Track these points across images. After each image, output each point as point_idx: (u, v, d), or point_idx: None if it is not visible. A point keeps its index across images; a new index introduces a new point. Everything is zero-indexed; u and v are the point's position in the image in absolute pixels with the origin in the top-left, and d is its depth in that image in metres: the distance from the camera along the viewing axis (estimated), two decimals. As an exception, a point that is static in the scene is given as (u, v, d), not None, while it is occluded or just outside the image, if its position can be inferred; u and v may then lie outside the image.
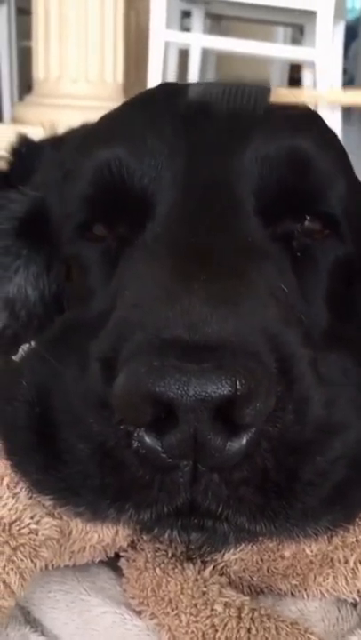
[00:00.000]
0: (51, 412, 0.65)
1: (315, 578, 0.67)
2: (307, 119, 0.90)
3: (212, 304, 0.60)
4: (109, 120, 0.92)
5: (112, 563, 0.70)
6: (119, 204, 0.81)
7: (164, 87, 0.98)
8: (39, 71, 3.71)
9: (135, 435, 0.57)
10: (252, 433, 0.57)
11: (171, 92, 0.91)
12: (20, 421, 0.66)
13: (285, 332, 0.64)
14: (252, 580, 0.69)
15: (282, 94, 0.74)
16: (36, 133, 1.57)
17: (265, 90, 0.91)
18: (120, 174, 0.80)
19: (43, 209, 0.94)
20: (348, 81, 5.95)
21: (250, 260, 0.71)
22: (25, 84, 4.36)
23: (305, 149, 0.81)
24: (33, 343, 0.75)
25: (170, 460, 0.57)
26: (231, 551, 0.67)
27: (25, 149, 1.48)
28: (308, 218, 0.81)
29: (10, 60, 4.57)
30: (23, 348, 0.74)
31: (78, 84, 3.50)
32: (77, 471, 0.61)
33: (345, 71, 5.19)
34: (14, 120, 3.69)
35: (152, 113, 0.85)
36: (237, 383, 0.54)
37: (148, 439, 0.57)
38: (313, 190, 0.81)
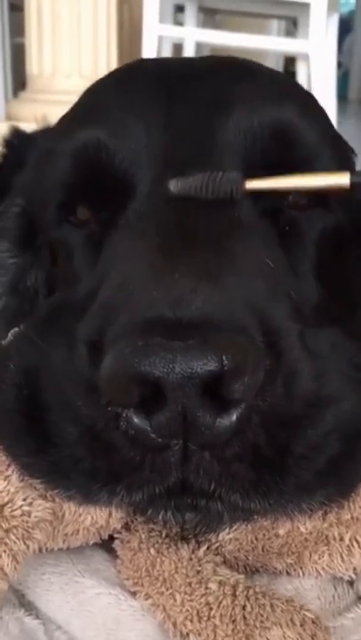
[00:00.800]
0: (39, 394, 0.64)
1: (310, 556, 0.67)
2: (287, 88, 0.89)
3: (196, 281, 0.60)
4: (88, 99, 0.91)
5: (106, 545, 0.69)
6: (100, 185, 0.80)
7: (141, 63, 0.96)
8: (33, 67, 3.72)
9: (124, 416, 0.57)
10: (241, 408, 0.56)
11: (148, 69, 0.90)
12: (9, 404, 0.65)
13: (272, 306, 0.64)
14: (247, 559, 0.68)
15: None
16: (31, 130, 1.57)
17: (245, 61, 0.90)
18: (99, 156, 0.79)
19: (30, 202, 0.93)
20: (343, 74, 5.94)
21: (235, 236, 0.70)
22: (19, 81, 4.35)
23: (289, 120, 0.80)
24: (21, 326, 0.75)
25: (160, 439, 0.56)
26: (226, 531, 0.67)
27: (17, 141, 1.47)
28: (292, 193, 0.80)
29: (3, 57, 4.56)
30: (12, 332, 0.74)
31: (72, 80, 3.49)
32: (67, 454, 0.61)
33: (340, 65, 5.19)
34: (9, 117, 3.69)
35: (131, 91, 0.84)
36: (224, 358, 0.53)
37: (136, 420, 0.56)
38: (299, 162, 0.80)
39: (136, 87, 0.84)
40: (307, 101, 0.90)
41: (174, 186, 0.71)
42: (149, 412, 0.56)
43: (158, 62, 0.92)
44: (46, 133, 1.37)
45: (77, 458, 0.60)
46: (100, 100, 0.87)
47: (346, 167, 0.87)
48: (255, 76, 0.86)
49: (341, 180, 0.74)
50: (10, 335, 0.73)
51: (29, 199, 0.92)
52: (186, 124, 0.79)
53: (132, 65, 0.95)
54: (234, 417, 0.56)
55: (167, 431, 0.56)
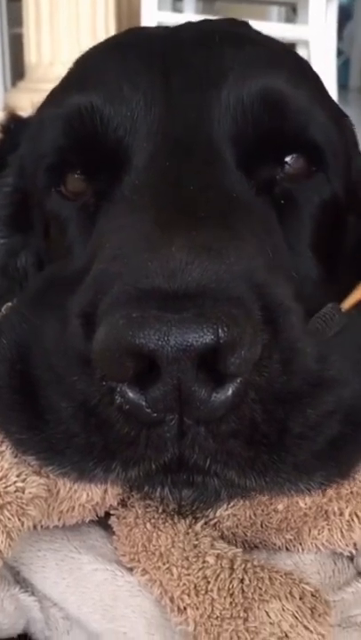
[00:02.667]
0: (32, 370, 0.63)
1: (309, 531, 0.66)
2: (279, 55, 0.88)
3: (193, 253, 0.58)
4: (81, 66, 0.89)
5: (102, 522, 0.68)
6: (93, 152, 0.78)
7: (135, 31, 0.94)
8: (31, 57, 3.71)
9: (118, 390, 0.56)
10: (237, 383, 0.55)
11: (143, 37, 0.88)
12: (1, 380, 0.64)
13: (271, 282, 0.62)
14: (246, 535, 0.67)
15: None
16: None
17: (240, 28, 0.89)
18: (93, 123, 0.77)
19: (23, 172, 0.92)
20: (344, 62, 5.91)
21: (233, 211, 0.69)
22: (17, 72, 4.34)
23: (279, 88, 0.79)
24: (14, 301, 0.74)
25: (155, 414, 0.55)
26: (223, 507, 0.66)
27: (13, 125, 1.46)
28: (291, 158, 0.79)
29: (1, 47, 4.55)
30: (3, 308, 0.72)
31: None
32: (61, 430, 0.60)
33: (340, 52, 5.16)
34: (7, 107, 3.67)
35: (127, 59, 0.82)
36: (220, 330, 0.52)
37: (131, 394, 0.55)
38: (292, 129, 0.79)
39: (133, 55, 0.82)
40: (299, 67, 0.88)
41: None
42: (144, 387, 0.55)
43: (154, 31, 0.90)
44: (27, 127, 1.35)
45: (71, 433, 0.59)
46: (94, 67, 0.85)
47: (343, 134, 0.86)
48: (249, 43, 0.84)
49: None
50: (1, 312, 0.72)
51: (21, 172, 0.91)
52: (181, 96, 0.78)
53: (128, 32, 0.93)
54: (230, 391, 0.55)
55: (162, 406, 0.55)
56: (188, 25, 0.90)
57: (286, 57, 0.89)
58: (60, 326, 0.63)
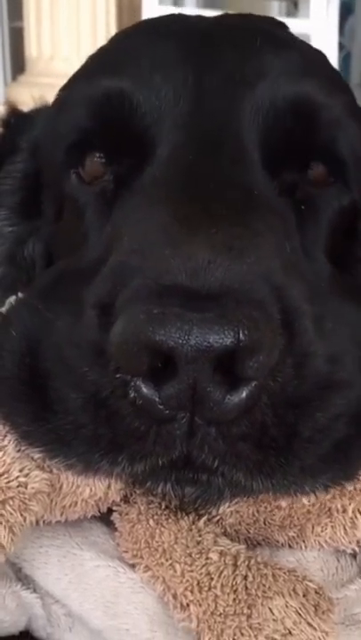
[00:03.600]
0: (42, 362, 0.63)
1: (313, 528, 0.65)
2: (315, 61, 0.87)
3: (216, 251, 0.58)
4: (114, 50, 0.88)
5: (105, 518, 0.68)
6: (117, 138, 0.77)
7: (174, 19, 0.91)
8: (31, 51, 3.70)
9: (132, 384, 0.55)
10: (252, 387, 0.55)
11: (181, 27, 0.86)
12: (9, 372, 0.64)
13: (290, 285, 0.62)
14: (249, 532, 0.67)
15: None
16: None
17: (277, 29, 0.88)
18: (121, 108, 0.76)
19: (37, 153, 0.91)
20: (345, 57, 5.89)
21: (255, 211, 0.69)
22: (17, 66, 4.32)
23: (313, 97, 0.79)
24: (21, 294, 0.73)
25: (167, 411, 0.55)
26: (226, 504, 0.66)
27: (14, 119, 1.46)
28: (314, 165, 0.79)
29: (2, 42, 4.53)
30: (11, 300, 0.72)
31: (71, 63, 3.45)
32: (69, 421, 0.59)
33: (341, 47, 5.14)
34: (8, 101, 3.66)
35: (161, 48, 0.81)
36: (241, 334, 0.52)
37: (145, 389, 0.55)
38: (321, 140, 0.79)
39: (169, 45, 0.81)
40: (332, 76, 0.88)
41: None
42: (159, 383, 0.54)
43: (193, 21, 0.88)
44: (45, 109, 1.35)
45: (79, 425, 0.59)
46: (128, 51, 0.83)
47: None
48: (286, 47, 0.84)
49: None
50: (9, 302, 0.71)
51: (35, 153, 0.90)
52: (212, 93, 0.77)
53: (167, 19, 0.90)
54: (244, 394, 0.54)
55: (175, 403, 0.54)
56: (229, 19, 0.89)
57: (321, 64, 0.89)
58: (73, 319, 0.63)
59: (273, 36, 0.86)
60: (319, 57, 0.90)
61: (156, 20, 0.91)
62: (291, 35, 0.89)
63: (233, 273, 0.56)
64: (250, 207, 0.68)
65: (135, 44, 0.84)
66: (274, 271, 0.61)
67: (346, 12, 5.53)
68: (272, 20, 0.93)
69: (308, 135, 0.78)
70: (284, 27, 0.91)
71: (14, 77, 4.25)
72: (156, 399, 0.54)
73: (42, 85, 3.42)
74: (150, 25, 0.90)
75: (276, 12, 5.04)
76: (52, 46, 3.64)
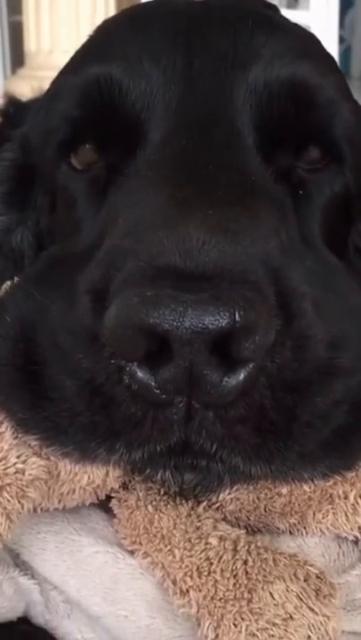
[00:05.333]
0: (36, 348, 0.62)
1: (314, 515, 0.65)
2: (308, 43, 0.86)
3: (211, 232, 0.57)
4: (102, 37, 0.86)
5: (103, 505, 0.67)
6: (108, 125, 0.76)
7: (163, 3, 0.90)
8: (31, 44, 3.68)
9: (127, 370, 0.54)
10: (249, 369, 0.54)
11: (169, 11, 0.85)
12: (4, 359, 0.63)
13: (286, 266, 0.61)
14: (249, 519, 0.66)
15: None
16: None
17: (267, 11, 0.87)
18: (111, 94, 0.75)
19: (28, 146, 0.91)
20: (345, 50, 5.88)
21: (250, 193, 0.68)
22: (17, 59, 4.31)
23: (308, 78, 0.77)
24: (16, 279, 0.72)
25: (163, 395, 0.54)
26: (226, 491, 0.65)
27: (12, 109, 1.45)
28: (309, 148, 0.78)
29: (1, 36, 4.52)
30: (5, 286, 0.71)
31: (70, 56, 3.45)
32: (65, 409, 0.59)
33: (342, 40, 5.12)
34: (7, 93, 3.65)
35: (149, 32, 0.80)
36: (236, 315, 0.51)
37: (140, 374, 0.54)
38: (316, 121, 0.78)
39: (157, 30, 0.80)
40: (326, 59, 0.87)
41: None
42: (154, 367, 0.53)
43: (181, 4, 0.86)
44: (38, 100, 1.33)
45: (75, 412, 0.58)
46: (116, 38, 0.82)
47: None
48: (279, 29, 0.83)
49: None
50: (4, 288, 0.71)
51: (25, 146, 0.89)
52: (203, 75, 0.76)
53: (150, 5, 0.89)
54: (241, 376, 0.53)
55: (172, 387, 0.53)
56: (219, 1, 0.87)
57: (314, 46, 0.87)
58: (67, 303, 0.62)
59: (264, 17, 0.84)
60: (312, 39, 0.89)
61: (143, 6, 0.89)
62: (282, 17, 0.88)
63: (228, 254, 0.56)
64: (245, 189, 0.67)
65: (122, 30, 0.83)
66: (270, 253, 0.61)
67: (346, 4, 5.52)
68: (263, 1, 0.91)
69: (302, 117, 0.77)
70: (275, 9, 0.90)
71: (13, 71, 4.24)
72: (152, 383, 0.54)
73: (41, 79, 3.37)
74: (137, 11, 0.89)
75: (275, 2, 5.02)
76: (52, 40, 3.62)
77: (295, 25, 0.88)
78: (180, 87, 0.75)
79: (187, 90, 0.75)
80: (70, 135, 0.80)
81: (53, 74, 1.04)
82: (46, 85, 0.98)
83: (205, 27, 0.80)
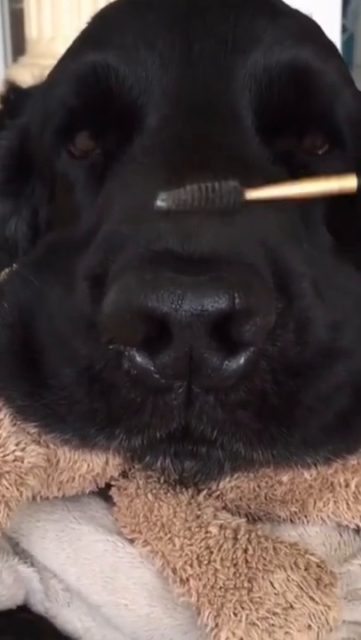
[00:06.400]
0: (34, 335, 0.62)
1: (315, 503, 0.64)
2: (309, 28, 0.85)
3: (207, 215, 0.57)
4: (98, 24, 0.86)
5: (103, 493, 0.67)
6: (105, 112, 0.76)
7: None
8: (32, 31, 3.66)
9: (126, 355, 0.54)
10: (250, 352, 0.53)
11: None
12: (2, 345, 0.63)
13: (285, 248, 0.61)
14: (250, 507, 0.66)
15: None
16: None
17: None
18: (107, 82, 0.75)
19: (26, 135, 0.90)
20: (348, 39, 5.84)
21: (248, 176, 0.67)
22: (18, 47, 4.29)
23: (309, 62, 0.77)
24: (14, 266, 0.72)
25: (163, 380, 0.54)
26: (227, 479, 0.64)
27: (13, 96, 1.45)
28: (310, 133, 0.77)
29: (2, 23, 4.50)
30: (3, 273, 0.71)
31: (72, 44, 3.44)
32: (63, 396, 0.58)
33: (344, 29, 5.09)
34: (8, 80, 3.64)
35: (145, 19, 0.79)
36: (236, 296, 0.50)
37: (139, 359, 0.53)
38: (317, 106, 0.77)
39: (154, 15, 0.79)
40: (327, 44, 0.86)
41: (164, 200, 0.59)
42: (153, 351, 0.53)
43: None
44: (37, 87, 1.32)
45: (74, 399, 0.58)
46: (112, 25, 0.82)
47: None
48: (280, 13, 0.82)
49: (348, 183, 0.66)
50: (2, 274, 0.70)
51: (23, 136, 0.89)
52: (202, 59, 0.75)
53: None
54: (242, 360, 0.53)
55: (171, 372, 0.53)
56: None
57: (316, 32, 0.86)
58: (65, 290, 0.61)
59: (265, 2, 0.83)
60: (313, 25, 0.88)
61: None
62: (283, 2, 0.87)
63: (225, 236, 0.55)
64: (243, 172, 0.67)
65: (120, 16, 0.83)
66: (268, 234, 0.60)
67: (349, -7, 5.48)
68: None
69: (304, 101, 0.76)
70: None
71: (15, 59, 4.22)
72: (151, 368, 0.53)
73: (43, 67, 3.35)
74: None
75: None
76: (53, 27, 3.60)
77: (296, 11, 0.87)
78: (177, 71, 0.74)
79: (184, 74, 0.74)
80: (67, 122, 0.79)
81: (55, 62, 1.03)
82: (48, 73, 0.98)
83: (205, 11, 0.79)
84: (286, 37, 0.77)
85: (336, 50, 0.89)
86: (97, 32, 0.84)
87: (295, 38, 0.78)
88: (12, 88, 1.45)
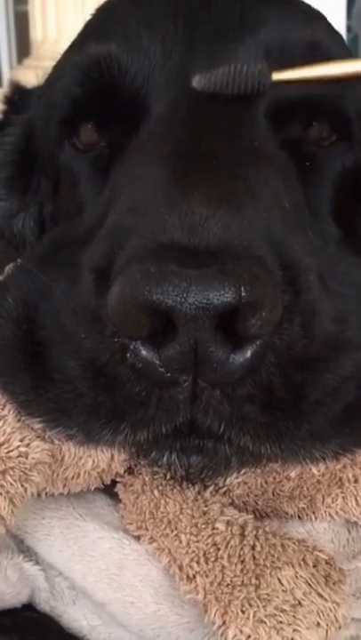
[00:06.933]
0: (39, 329, 0.61)
1: (323, 499, 0.63)
2: (316, 16, 0.84)
3: (213, 207, 0.56)
4: (99, 16, 0.86)
5: (109, 489, 0.66)
6: (109, 103, 0.75)
7: None
8: (37, 33, 3.67)
9: (131, 348, 0.53)
10: (256, 345, 0.53)
11: None
12: (6, 340, 0.62)
13: (291, 240, 0.60)
14: (257, 504, 0.65)
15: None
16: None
17: None
18: (111, 73, 0.75)
19: (31, 129, 0.90)
20: (353, 39, 5.83)
21: (254, 165, 0.66)
22: (23, 49, 4.30)
23: (320, 41, 0.76)
24: (18, 261, 0.71)
25: (168, 374, 0.53)
26: (234, 475, 0.64)
27: (17, 96, 1.45)
28: (318, 122, 0.76)
29: (7, 25, 4.51)
30: (8, 268, 0.70)
31: (76, 44, 3.44)
32: (68, 390, 0.58)
33: (349, 29, 5.08)
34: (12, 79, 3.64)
35: (147, 7, 0.79)
36: (242, 289, 0.50)
37: (144, 352, 0.53)
38: (328, 90, 0.75)
39: (154, 4, 0.79)
40: (333, 31, 0.85)
41: (198, 82, 0.66)
42: (159, 345, 0.52)
43: None
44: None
45: (79, 393, 0.57)
46: (114, 16, 0.81)
47: None
48: (285, 1, 0.81)
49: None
50: (7, 269, 0.70)
51: (28, 131, 0.89)
52: (206, 44, 0.74)
53: None
54: (248, 354, 0.52)
55: (177, 365, 0.52)
56: None
57: (322, 19, 0.85)
58: (70, 284, 0.61)
59: None
60: (319, 14, 0.87)
61: None
62: None
63: (231, 229, 0.54)
64: (250, 160, 0.66)
65: (120, 8, 0.82)
66: (274, 226, 0.59)
67: (354, -7, 5.48)
68: None
69: (312, 86, 0.74)
70: None
71: (20, 61, 4.23)
72: (157, 361, 0.52)
73: (47, 68, 3.38)
74: None
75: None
76: (58, 29, 3.60)
77: (303, 1, 0.86)
78: (180, 57, 0.74)
79: (188, 59, 0.73)
80: (71, 112, 0.79)
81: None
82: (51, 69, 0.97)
83: None
84: (293, 21, 0.77)
85: (342, 38, 0.88)
86: (99, 24, 0.84)
87: (303, 21, 0.78)
88: (17, 89, 1.45)
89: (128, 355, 0.54)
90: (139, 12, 0.78)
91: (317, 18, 0.82)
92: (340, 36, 0.86)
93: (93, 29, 0.84)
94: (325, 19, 0.87)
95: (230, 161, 0.64)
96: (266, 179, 0.65)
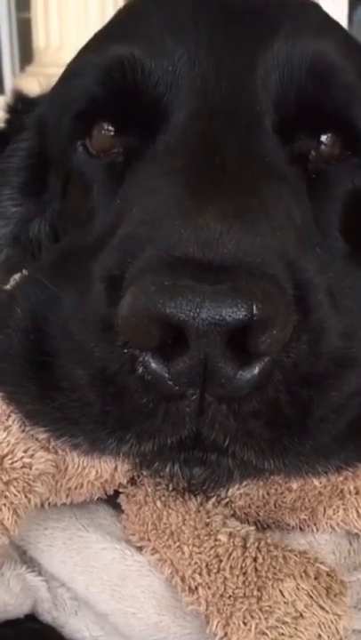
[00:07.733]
0: (47, 339, 0.61)
1: (324, 511, 0.64)
2: (330, 23, 0.85)
3: (228, 222, 0.56)
4: (125, 17, 0.85)
5: (111, 500, 0.66)
6: (129, 107, 0.75)
7: None
8: (39, 41, 3.68)
9: (140, 359, 0.54)
10: (264, 362, 0.53)
11: None
12: (14, 350, 0.62)
13: (302, 258, 0.60)
14: (259, 515, 0.65)
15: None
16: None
17: None
18: (134, 75, 0.73)
19: (43, 129, 0.89)
20: (354, 47, 5.83)
21: (266, 180, 0.67)
22: (25, 56, 4.32)
23: (329, 57, 0.76)
24: (26, 271, 0.71)
25: (176, 387, 0.53)
26: (236, 487, 0.64)
27: (20, 105, 1.45)
28: (327, 137, 0.76)
29: (10, 32, 4.53)
30: (15, 278, 0.70)
31: (80, 52, 3.45)
32: (75, 399, 0.58)
33: (351, 37, 5.10)
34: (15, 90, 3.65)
35: (173, 12, 0.78)
36: (254, 307, 0.50)
37: (154, 364, 0.53)
38: (335, 102, 0.76)
39: (180, 9, 0.78)
40: (348, 40, 0.85)
41: None
42: (168, 358, 0.53)
43: None
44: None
45: (86, 402, 0.57)
46: (138, 18, 0.80)
47: None
48: (302, 8, 0.81)
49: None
50: (14, 279, 0.70)
51: (40, 130, 0.88)
52: (226, 54, 0.74)
53: None
54: (256, 370, 0.53)
55: (186, 379, 0.53)
56: None
57: (336, 27, 0.86)
58: (80, 294, 0.61)
59: None
60: (332, 20, 0.88)
61: None
62: None
63: (246, 245, 0.55)
64: (262, 176, 0.66)
65: (145, 8, 0.81)
66: (287, 244, 0.60)
67: (355, 1, 5.49)
68: None
69: (321, 96, 0.75)
70: None
71: (22, 68, 4.24)
72: (166, 375, 0.53)
73: (50, 76, 3.37)
74: None
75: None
76: (60, 36, 3.62)
77: (316, 4, 0.87)
78: (204, 65, 0.73)
79: (211, 67, 0.73)
80: (88, 107, 0.78)
81: (62, 70, 1.03)
82: (65, 68, 0.97)
83: (228, 4, 0.78)
84: (308, 31, 0.77)
85: (355, 44, 0.87)
86: (122, 24, 0.83)
87: (316, 32, 0.78)
88: (20, 97, 1.45)
89: (137, 366, 0.54)
90: (162, 16, 0.78)
91: (328, 28, 0.82)
92: (353, 46, 0.85)
93: (114, 31, 0.83)
94: (337, 25, 0.87)
95: (243, 176, 0.64)
96: (279, 195, 0.66)
